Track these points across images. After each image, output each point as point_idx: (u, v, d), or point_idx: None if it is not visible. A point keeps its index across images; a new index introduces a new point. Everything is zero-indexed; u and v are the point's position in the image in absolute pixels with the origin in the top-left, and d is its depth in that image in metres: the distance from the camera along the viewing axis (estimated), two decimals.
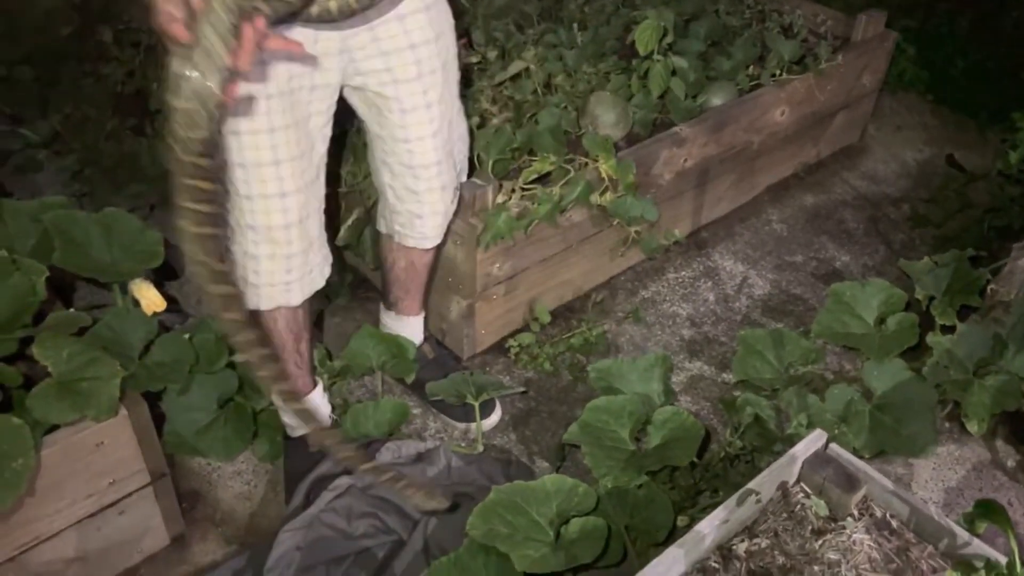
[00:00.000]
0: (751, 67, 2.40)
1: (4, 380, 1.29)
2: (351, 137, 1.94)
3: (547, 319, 2.08)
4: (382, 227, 1.75)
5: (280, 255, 1.46)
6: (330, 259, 1.60)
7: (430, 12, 1.45)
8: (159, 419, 1.56)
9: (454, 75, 1.57)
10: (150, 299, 1.56)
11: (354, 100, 1.54)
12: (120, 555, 1.53)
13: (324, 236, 1.56)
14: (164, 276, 1.77)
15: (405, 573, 1.50)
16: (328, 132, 1.48)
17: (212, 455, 1.69)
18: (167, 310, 1.60)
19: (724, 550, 1.31)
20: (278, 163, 1.38)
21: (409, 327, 1.91)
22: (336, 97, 1.47)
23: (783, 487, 1.39)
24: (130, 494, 1.47)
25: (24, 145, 2.31)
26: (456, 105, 1.61)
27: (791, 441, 1.51)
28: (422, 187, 1.61)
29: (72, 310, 1.46)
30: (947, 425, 1.89)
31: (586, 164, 1.98)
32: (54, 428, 1.33)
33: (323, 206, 1.54)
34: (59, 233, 1.56)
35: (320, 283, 1.58)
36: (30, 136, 2.22)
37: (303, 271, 1.52)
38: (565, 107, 2.13)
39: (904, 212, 2.58)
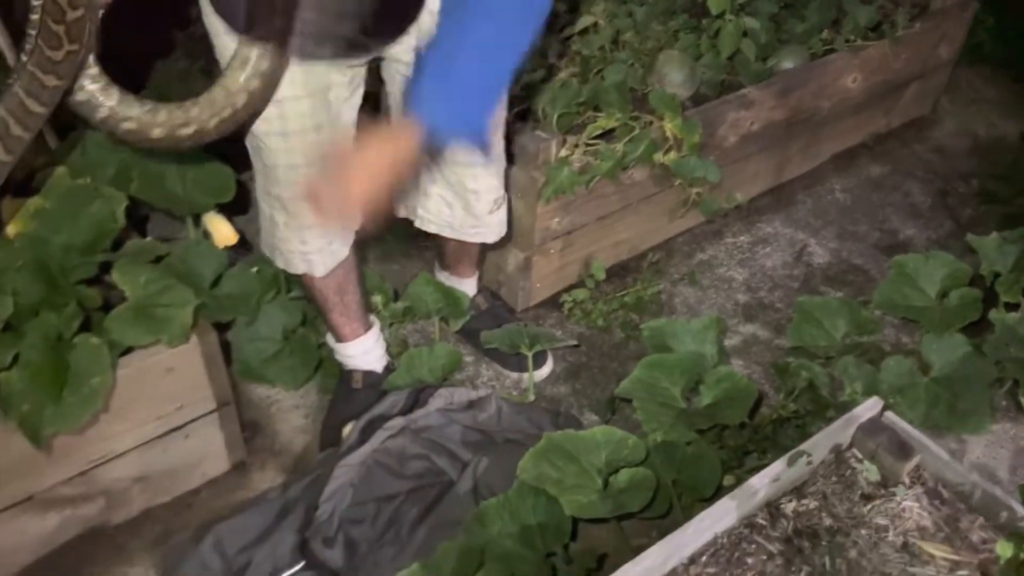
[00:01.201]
0: (825, 31, 2.34)
1: (85, 302, 1.35)
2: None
3: (602, 276, 2.09)
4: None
5: (294, 225, 1.45)
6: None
7: None
8: (226, 349, 1.61)
9: None
10: (222, 232, 1.61)
11: (385, 74, 1.49)
12: (183, 477, 1.60)
13: None
14: (233, 211, 1.82)
15: (454, 513, 1.54)
16: (356, 102, 1.43)
17: (279, 382, 1.75)
18: (236, 244, 1.65)
19: (772, 508, 1.32)
20: (286, 135, 1.34)
21: (462, 284, 1.94)
22: (363, 70, 1.41)
23: (836, 450, 1.39)
24: (195, 419, 1.53)
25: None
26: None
27: (844, 409, 1.51)
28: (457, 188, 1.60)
29: (148, 239, 1.51)
30: (1004, 403, 1.87)
31: (651, 122, 1.97)
32: (128, 351, 1.38)
33: None
34: (136, 165, 1.61)
35: (344, 253, 1.55)
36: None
37: (321, 243, 1.50)
38: (632, 64, 2.11)
39: (973, 187, 2.52)
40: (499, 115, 1.55)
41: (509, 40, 1.16)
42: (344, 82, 1.36)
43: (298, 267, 1.52)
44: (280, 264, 1.53)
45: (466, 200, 1.59)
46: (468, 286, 1.95)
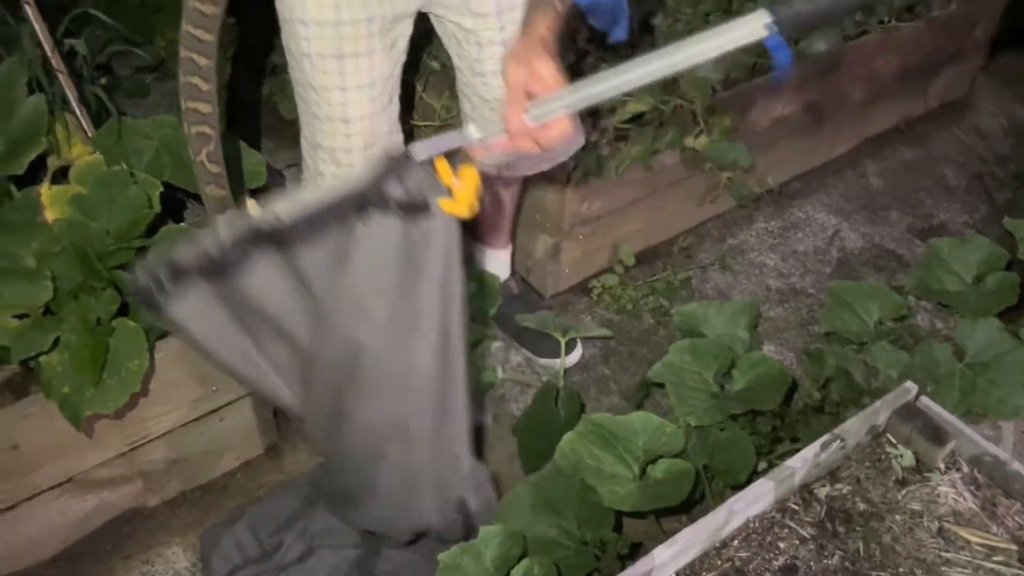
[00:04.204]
0: (858, 12, 2.31)
1: (122, 286, 1.36)
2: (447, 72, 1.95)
3: (632, 261, 2.08)
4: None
5: (343, 177, 1.47)
6: None
7: None
8: None
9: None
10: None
11: (437, 28, 1.53)
12: (218, 459, 1.62)
13: None
14: (266, 196, 1.83)
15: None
16: (403, 58, 1.47)
17: None
18: None
19: (805, 492, 1.31)
20: (344, 89, 1.38)
21: (495, 261, 1.94)
22: (411, 26, 1.45)
23: (870, 435, 1.38)
24: (230, 403, 1.55)
25: (135, 69, 2.39)
26: None
27: (878, 395, 1.50)
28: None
29: (183, 224, 1.53)
30: None
31: (681, 106, 1.95)
32: (165, 335, 1.40)
33: (395, 131, 1.53)
34: (169, 151, 1.62)
35: None
36: (144, 57, 2.29)
37: None
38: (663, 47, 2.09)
39: (1010, 171, 2.48)
40: None
41: None
42: (398, 39, 1.40)
43: None
44: None
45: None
46: (501, 263, 1.95)
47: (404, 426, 1.23)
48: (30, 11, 1.47)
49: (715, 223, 2.26)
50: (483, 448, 1.72)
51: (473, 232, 1.93)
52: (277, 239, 1.08)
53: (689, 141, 1.96)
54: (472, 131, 1.07)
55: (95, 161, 1.46)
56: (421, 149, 1.06)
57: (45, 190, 1.41)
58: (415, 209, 1.07)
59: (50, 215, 1.41)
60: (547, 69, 1.03)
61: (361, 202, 1.06)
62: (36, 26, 1.49)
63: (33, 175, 1.54)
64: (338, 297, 1.12)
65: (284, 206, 1.08)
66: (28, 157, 1.45)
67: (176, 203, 1.67)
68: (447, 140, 1.07)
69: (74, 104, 1.55)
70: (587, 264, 2.08)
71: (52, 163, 1.56)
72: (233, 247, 1.07)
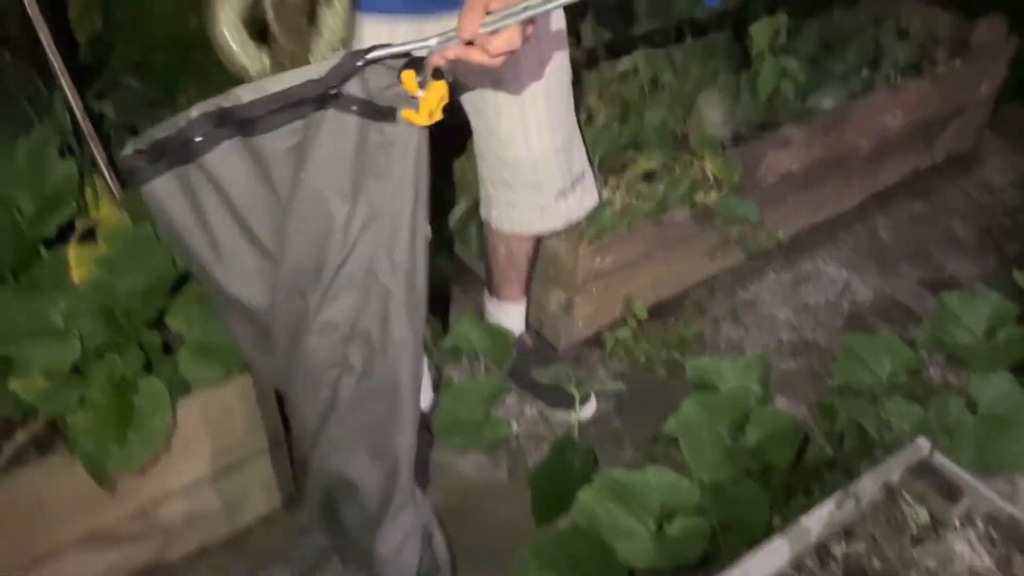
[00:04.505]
0: (864, 70, 2.36)
1: (146, 344, 1.40)
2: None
3: (644, 315, 2.11)
4: (483, 213, 1.81)
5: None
6: None
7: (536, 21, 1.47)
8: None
9: (559, 76, 1.58)
10: None
11: (454, 90, 1.57)
12: (238, 513, 1.64)
13: None
14: None
15: None
16: None
17: None
18: None
19: (821, 550, 1.32)
20: None
21: (510, 315, 1.97)
22: None
23: (884, 492, 1.39)
24: (249, 457, 1.57)
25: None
26: (562, 107, 1.62)
27: (891, 449, 1.50)
28: (516, 181, 1.65)
29: None
30: None
31: (691, 162, 1.99)
32: (186, 391, 1.43)
33: None
34: None
35: None
36: (168, 116, 2.35)
37: None
38: (672, 105, 2.15)
39: (1019, 223, 2.50)
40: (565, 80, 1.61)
41: None
42: None
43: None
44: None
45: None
46: (516, 316, 1.98)
47: (366, 333, 1.22)
48: (63, 79, 1.53)
49: (726, 276, 2.29)
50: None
51: (489, 286, 1.96)
52: (239, 121, 1.11)
53: (699, 197, 2.00)
54: (430, 40, 1.09)
55: (122, 222, 1.50)
56: (378, 51, 1.09)
57: (73, 251, 1.45)
58: (377, 113, 1.10)
59: (77, 275, 1.45)
60: None
61: (322, 97, 1.09)
62: (68, 92, 1.55)
63: (61, 234, 1.59)
64: (298, 193, 1.13)
65: (247, 88, 1.11)
66: (59, 220, 1.49)
67: None
68: (405, 46, 1.09)
69: (103, 166, 1.60)
70: (600, 317, 2.10)
71: (80, 224, 1.60)
72: (199, 123, 1.10)
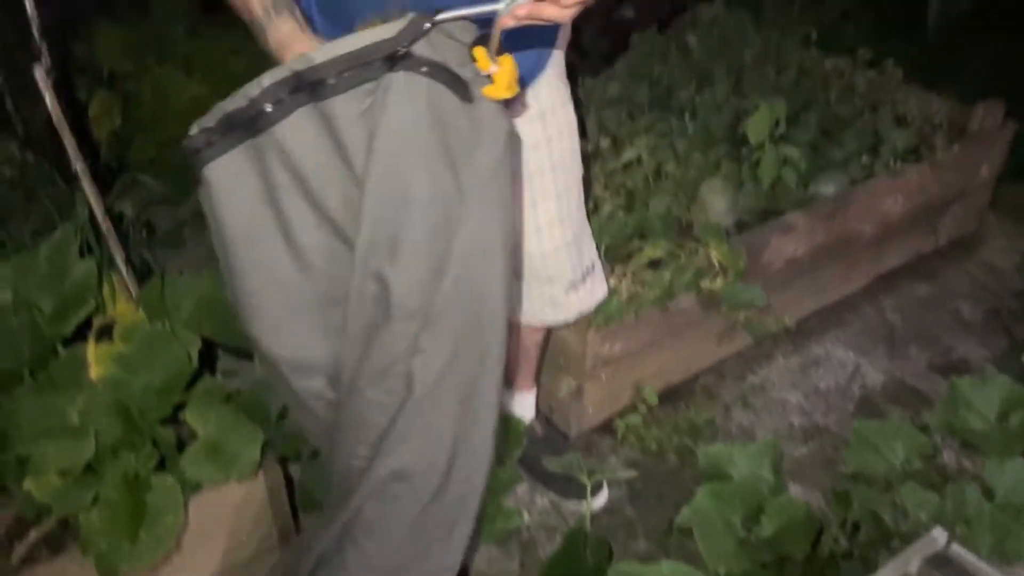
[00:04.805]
0: (864, 155, 2.41)
1: (160, 441, 1.41)
2: None
3: (655, 400, 2.11)
4: None
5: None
6: None
7: (545, 119, 1.52)
8: (289, 481, 1.65)
9: (571, 172, 1.62)
10: None
11: None
12: None
13: None
14: None
15: None
16: None
17: None
18: None
19: None
20: None
21: (521, 403, 1.98)
22: None
23: None
24: (260, 554, 1.56)
25: (174, 223, 2.51)
26: (573, 202, 1.66)
27: (908, 539, 1.49)
28: (527, 274, 1.68)
29: (217, 375, 1.59)
30: None
31: (696, 250, 2.03)
32: (198, 488, 1.44)
33: None
34: (208, 308, 1.70)
35: None
36: (183, 212, 2.42)
37: None
38: (676, 194, 2.19)
39: None
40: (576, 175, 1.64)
41: None
42: None
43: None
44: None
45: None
46: (527, 405, 1.98)
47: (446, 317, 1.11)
48: (85, 182, 1.58)
49: (735, 361, 2.30)
50: None
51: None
52: (311, 84, 1.06)
53: (705, 283, 2.02)
54: (498, 3, 1.06)
55: (139, 320, 1.54)
56: (445, 15, 1.07)
57: (91, 348, 1.48)
58: (450, 79, 1.06)
59: (94, 372, 1.47)
60: None
61: (391, 56, 1.05)
62: (89, 195, 1.60)
63: (78, 330, 1.62)
64: (372, 164, 1.07)
65: (319, 51, 1.07)
66: (77, 319, 1.53)
67: (210, 354, 1.73)
68: (473, 8, 1.07)
69: (121, 265, 1.64)
70: (610, 404, 2.10)
71: (97, 320, 1.64)
72: (271, 90, 1.06)
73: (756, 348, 2.33)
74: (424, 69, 1.06)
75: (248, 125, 1.08)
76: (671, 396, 2.18)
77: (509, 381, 1.95)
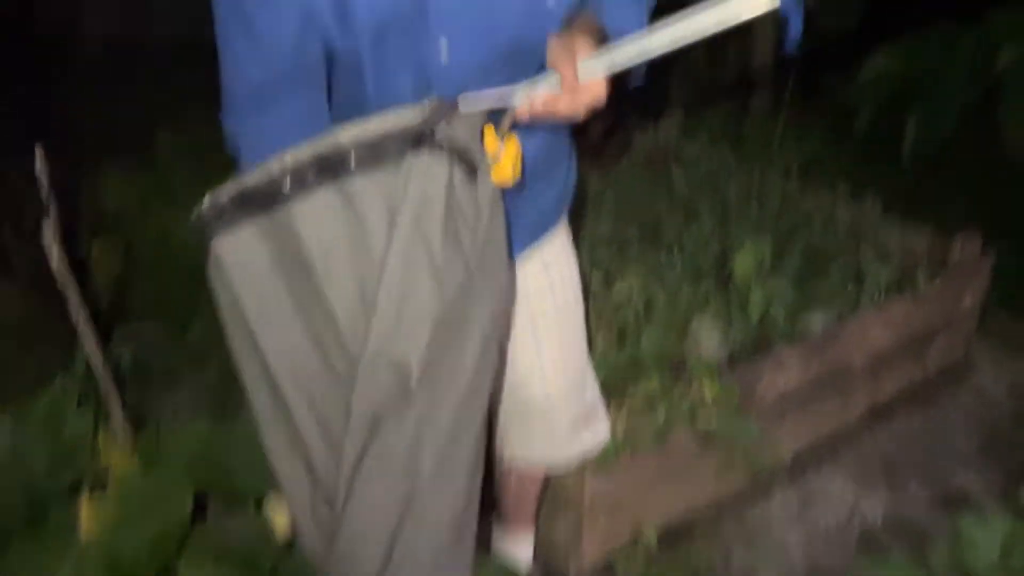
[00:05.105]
0: (849, 288, 2.47)
1: None
2: None
3: (654, 540, 2.08)
4: (497, 447, 1.83)
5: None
6: None
7: (550, 270, 1.57)
8: None
9: (573, 314, 1.66)
10: (282, 521, 1.66)
11: None
12: None
13: None
14: None
15: None
16: None
17: None
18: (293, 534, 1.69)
19: None
20: None
21: (518, 543, 1.95)
22: None
23: None
24: None
25: (167, 366, 2.53)
26: (576, 344, 1.68)
27: None
28: (530, 416, 1.69)
29: (208, 523, 1.57)
30: None
31: (689, 387, 2.04)
32: None
33: None
34: (203, 459, 1.69)
35: None
36: (181, 353, 2.44)
37: None
38: (666, 329, 2.23)
39: (1021, 433, 2.51)
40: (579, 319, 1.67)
41: None
42: None
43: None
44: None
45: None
46: (524, 546, 1.95)
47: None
48: (85, 336, 1.60)
49: (733, 499, 2.27)
50: None
51: (498, 517, 1.96)
52: (334, 164, 1.06)
53: (699, 420, 2.03)
54: (515, 93, 1.09)
55: (133, 472, 1.53)
56: (468, 101, 1.08)
57: (85, 503, 1.47)
58: (464, 158, 1.07)
59: (86, 529, 1.46)
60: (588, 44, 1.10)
61: (417, 138, 1.06)
62: (88, 349, 1.61)
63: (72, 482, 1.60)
64: (397, 242, 1.06)
65: (344, 132, 1.07)
66: (71, 474, 1.52)
67: (201, 503, 1.72)
68: (491, 98, 1.09)
69: (117, 415, 1.64)
70: (609, 543, 2.07)
71: (91, 469, 1.63)
72: (293, 169, 1.05)
73: (754, 484, 2.31)
74: (444, 147, 1.07)
75: (265, 202, 1.08)
76: (671, 535, 2.14)
77: (507, 522, 1.93)
